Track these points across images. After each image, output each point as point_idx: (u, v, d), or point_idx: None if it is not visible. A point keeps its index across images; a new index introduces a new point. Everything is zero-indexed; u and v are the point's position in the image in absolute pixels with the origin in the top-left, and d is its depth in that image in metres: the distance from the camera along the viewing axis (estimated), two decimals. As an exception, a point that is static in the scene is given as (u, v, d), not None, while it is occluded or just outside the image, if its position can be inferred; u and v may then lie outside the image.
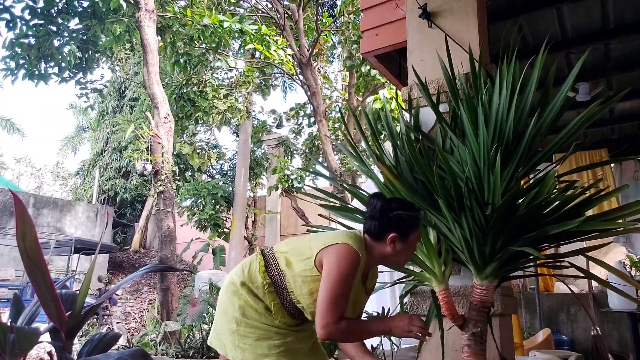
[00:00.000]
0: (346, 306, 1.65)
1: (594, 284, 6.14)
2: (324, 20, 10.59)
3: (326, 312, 1.57)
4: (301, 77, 10.39)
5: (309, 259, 1.68)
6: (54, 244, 10.23)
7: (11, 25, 8.60)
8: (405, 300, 2.40)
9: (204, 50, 10.24)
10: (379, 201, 1.76)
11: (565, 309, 5.79)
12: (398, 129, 2.37)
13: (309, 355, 1.79)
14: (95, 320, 9.32)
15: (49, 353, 2.04)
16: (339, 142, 10.76)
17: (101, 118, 18.20)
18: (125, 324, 10.84)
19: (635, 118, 4.99)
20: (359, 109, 10.62)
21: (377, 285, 2.07)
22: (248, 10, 11.63)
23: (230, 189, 12.97)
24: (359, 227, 2.31)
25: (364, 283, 1.88)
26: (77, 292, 2.13)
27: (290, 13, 10.36)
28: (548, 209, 1.78)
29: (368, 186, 4.37)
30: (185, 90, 10.48)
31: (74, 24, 9.40)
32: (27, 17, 8.72)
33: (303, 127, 14.20)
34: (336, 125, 12.73)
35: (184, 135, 13.15)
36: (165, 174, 8.56)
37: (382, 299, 3.24)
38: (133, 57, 14.73)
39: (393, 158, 2.20)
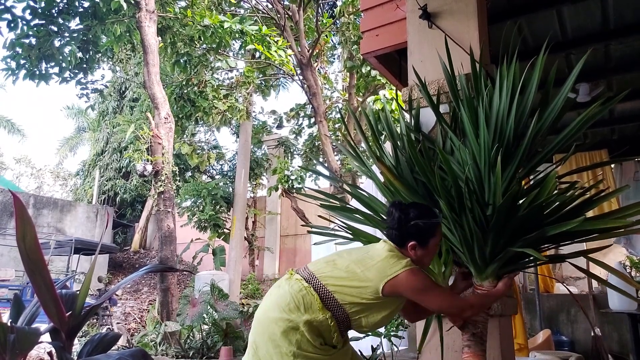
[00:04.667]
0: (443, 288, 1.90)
1: (594, 284, 6.14)
2: (324, 21, 10.59)
3: (451, 307, 1.79)
4: (301, 78, 10.40)
5: (369, 287, 1.71)
6: (54, 244, 10.23)
7: (12, 25, 8.60)
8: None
9: (204, 51, 10.24)
10: (397, 211, 1.81)
11: (565, 309, 5.79)
12: (398, 129, 2.37)
13: None
14: (95, 320, 9.32)
15: (49, 353, 2.03)
16: (339, 142, 10.77)
17: (101, 118, 18.20)
18: (125, 324, 10.83)
19: (636, 119, 4.98)
20: (359, 109, 10.62)
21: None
22: (248, 10, 11.63)
23: (231, 189, 12.97)
24: (358, 226, 2.32)
25: None
26: (77, 292, 2.13)
27: (291, 14, 10.36)
28: (548, 210, 1.78)
29: (366, 186, 4.37)
30: (185, 91, 10.48)
31: (74, 24, 9.40)
32: (28, 17, 8.72)
33: (303, 127, 14.21)
34: (336, 125, 12.73)
35: (184, 135, 13.15)
36: (166, 174, 8.56)
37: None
38: (134, 57, 14.72)
39: (393, 158, 2.20)
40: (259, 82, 11.59)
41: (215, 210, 12.24)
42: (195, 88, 10.47)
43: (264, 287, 13.52)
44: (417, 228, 1.76)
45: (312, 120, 12.99)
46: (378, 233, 2.28)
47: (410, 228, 1.77)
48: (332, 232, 2.40)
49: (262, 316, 1.78)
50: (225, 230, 12.29)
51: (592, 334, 4.98)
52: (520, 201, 1.77)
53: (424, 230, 1.77)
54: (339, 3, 11.11)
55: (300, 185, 11.00)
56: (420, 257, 1.80)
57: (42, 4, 8.72)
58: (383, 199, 2.30)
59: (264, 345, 1.73)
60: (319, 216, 2.61)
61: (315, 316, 1.70)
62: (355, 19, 9.98)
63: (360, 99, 11.61)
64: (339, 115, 12.81)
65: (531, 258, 1.84)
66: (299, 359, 1.67)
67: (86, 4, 9.20)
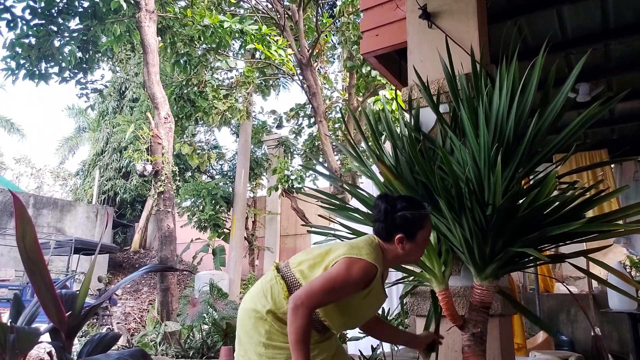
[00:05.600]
0: (325, 304, 1.62)
1: (594, 284, 6.14)
2: (324, 21, 10.59)
3: (309, 295, 1.54)
4: (301, 78, 10.40)
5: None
6: (54, 244, 10.23)
7: (12, 25, 8.60)
8: (405, 300, 2.40)
9: (204, 51, 10.24)
10: (383, 203, 1.74)
11: (565, 309, 5.79)
12: (398, 129, 2.37)
13: None
14: (95, 320, 9.31)
15: (49, 353, 2.03)
16: (339, 142, 10.76)
17: (101, 118, 18.20)
18: (125, 324, 10.83)
19: (635, 119, 4.98)
20: (359, 109, 10.62)
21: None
22: (248, 10, 11.63)
23: (230, 189, 12.97)
24: (358, 227, 2.31)
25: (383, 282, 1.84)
26: (77, 292, 2.13)
27: (291, 13, 10.36)
28: (548, 210, 1.78)
29: (366, 186, 4.37)
30: (185, 91, 10.48)
31: (74, 24, 9.41)
32: (28, 17, 8.72)
33: (303, 127, 14.21)
34: (336, 125, 12.74)
35: (184, 135, 13.15)
36: (166, 174, 8.56)
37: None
38: (133, 57, 14.73)
39: (393, 158, 2.20)
40: (259, 82, 11.59)
41: (215, 210, 12.24)
42: (195, 88, 10.47)
43: (263, 287, 13.50)
44: (404, 219, 1.68)
45: (312, 120, 12.99)
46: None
47: (396, 219, 1.68)
48: (332, 231, 2.39)
49: (240, 310, 1.79)
50: (225, 230, 12.29)
51: (592, 333, 4.98)
52: (520, 201, 1.77)
53: (412, 222, 1.69)
54: (338, 3, 11.11)
55: (300, 185, 11.00)
56: (408, 252, 1.72)
57: (42, 4, 8.72)
58: (383, 199, 2.29)
59: (243, 337, 1.74)
60: (319, 215, 2.61)
61: (280, 305, 1.66)
62: (355, 18, 9.98)
63: (360, 99, 11.61)
64: (339, 115, 12.82)
65: (531, 258, 1.84)
66: (270, 349, 1.65)
67: (86, 4, 9.21)
